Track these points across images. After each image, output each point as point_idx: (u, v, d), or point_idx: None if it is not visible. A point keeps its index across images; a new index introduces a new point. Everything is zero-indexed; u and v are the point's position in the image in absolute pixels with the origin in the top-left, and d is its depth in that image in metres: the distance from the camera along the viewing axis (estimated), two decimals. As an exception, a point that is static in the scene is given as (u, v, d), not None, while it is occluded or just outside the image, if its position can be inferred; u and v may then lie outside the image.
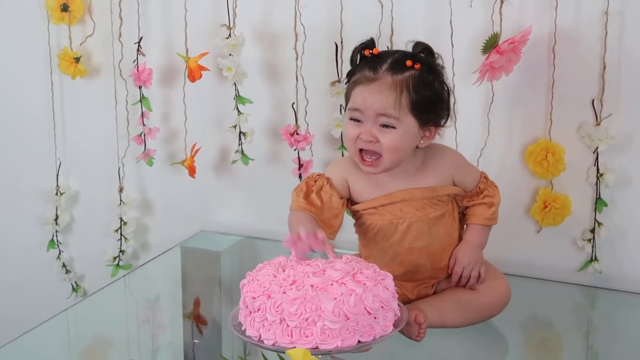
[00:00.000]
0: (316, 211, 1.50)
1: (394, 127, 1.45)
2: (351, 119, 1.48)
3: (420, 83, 1.45)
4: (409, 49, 1.49)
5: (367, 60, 1.48)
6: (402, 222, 1.52)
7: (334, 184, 1.53)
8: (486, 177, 1.60)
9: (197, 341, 1.66)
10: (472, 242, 1.57)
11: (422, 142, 1.50)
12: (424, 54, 1.48)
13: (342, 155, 1.84)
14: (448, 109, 1.51)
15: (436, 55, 1.50)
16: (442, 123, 1.51)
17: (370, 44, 1.50)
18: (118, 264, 2.14)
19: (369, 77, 1.46)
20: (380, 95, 1.44)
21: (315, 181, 1.54)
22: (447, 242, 1.56)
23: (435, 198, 1.53)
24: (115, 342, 1.66)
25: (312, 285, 1.27)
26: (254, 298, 1.29)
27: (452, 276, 1.56)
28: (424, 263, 1.54)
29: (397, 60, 1.46)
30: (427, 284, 1.57)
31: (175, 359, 1.60)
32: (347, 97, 1.50)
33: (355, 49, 1.51)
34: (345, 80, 1.53)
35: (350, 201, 1.56)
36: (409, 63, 1.45)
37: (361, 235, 1.58)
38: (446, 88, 1.51)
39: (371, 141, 1.46)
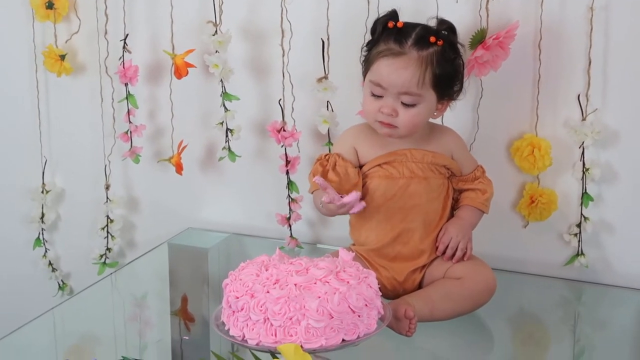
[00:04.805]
0: (335, 186, 1.54)
1: (414, 105, 1.51)
2: (372, 94, 1.53)
3: (443, 59, 1.52)
4: (432, 24, 1.55)
5: (390, 32, 1.52)
6: (403, 178, 1.56)
7: (345, 157, 1.59)
8: (483, 170, 1.64)
9: (187, 337, 1.66)
10: (463, 219, 1.61)
11: (436, 113, 1.58)
12: (446, 32, 1.54)
13: (330, 151, 1.84)
14: (462, 84, 1.57)
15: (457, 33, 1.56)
16: (455, 96, 1.57)
17: (393, 16, 1.54)
18: (105, 262, 2.13)
19: (394, 51, 1.51)
20: (406, 72, 1.49)
21: (328, 160, 1.60)
22: (440, 215, 1.59)
23: (435, 165, 1.58)
24: (103, 340, 1.65)
25: (295, 284, 1.27)
26: (237, 298, 1.28)
27: (439, 246, 1.58)
28: (416, 227, 1.57)
29: (421, 36, 1.51)
30: (415, 263, 1.58)
31: (163, 356, 1.60)
32: (368, 66, 1.55)
33: (378, 20, 1.56)
34: (365, 49, 1.57)
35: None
36: (432, 39, 1.50)
37: None
38: (463, 64, 1.56)
39: (391, 115, 1.51)
